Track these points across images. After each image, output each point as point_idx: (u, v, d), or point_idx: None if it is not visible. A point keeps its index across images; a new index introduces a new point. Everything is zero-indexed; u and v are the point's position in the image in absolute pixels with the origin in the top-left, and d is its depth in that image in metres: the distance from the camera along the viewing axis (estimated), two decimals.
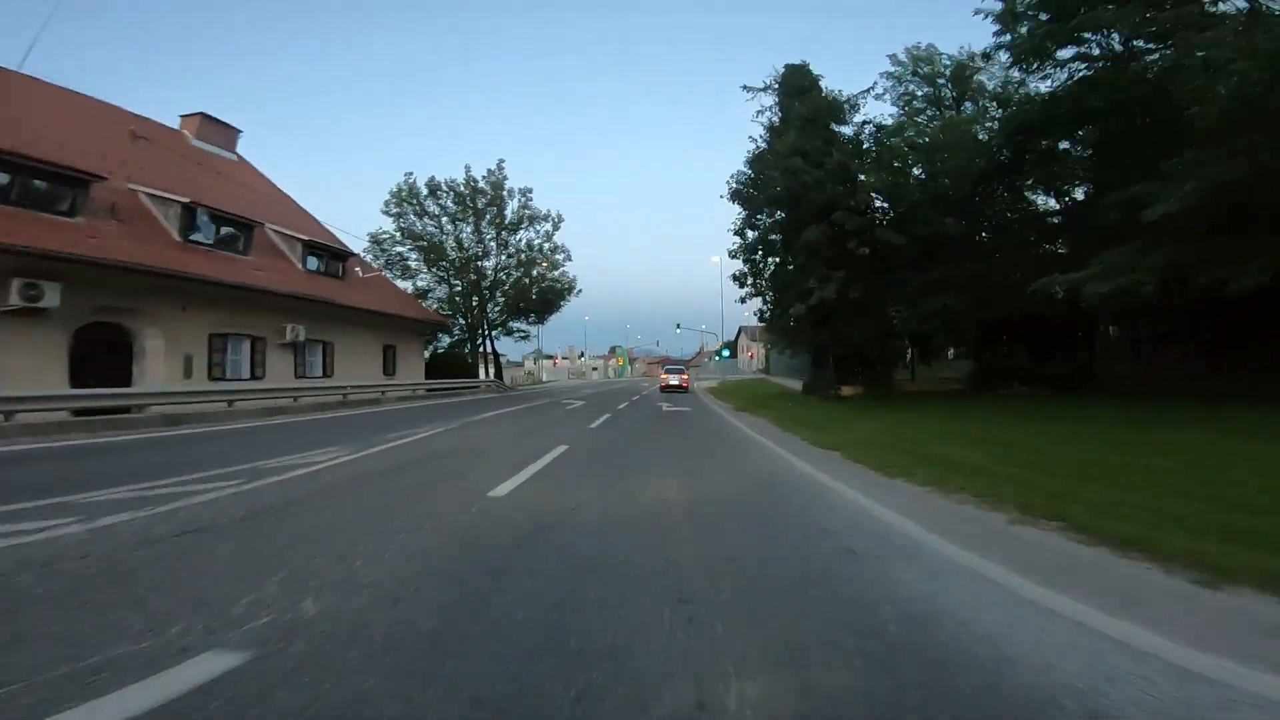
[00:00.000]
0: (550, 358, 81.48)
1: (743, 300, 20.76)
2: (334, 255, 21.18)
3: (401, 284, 31.06)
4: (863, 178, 17.71)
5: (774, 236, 19.55)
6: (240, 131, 23.08)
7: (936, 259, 16.87)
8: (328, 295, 18.92)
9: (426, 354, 29.26)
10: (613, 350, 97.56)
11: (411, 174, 33.05)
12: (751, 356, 72.04)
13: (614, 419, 12.85)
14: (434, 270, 32.67)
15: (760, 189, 19.28)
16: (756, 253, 20.61)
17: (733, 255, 20.46)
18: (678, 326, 62.43)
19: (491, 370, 35.70)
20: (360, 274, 22.38)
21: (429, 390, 24.10)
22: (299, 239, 19.45)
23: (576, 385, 42.49)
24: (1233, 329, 14.14)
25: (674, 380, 26.92)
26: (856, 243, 16.92)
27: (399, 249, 32.14)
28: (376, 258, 30.97)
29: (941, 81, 21.01)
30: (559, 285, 35.08)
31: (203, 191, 16.69)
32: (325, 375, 19.06)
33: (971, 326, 19.08)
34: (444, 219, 32.57)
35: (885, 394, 18.35)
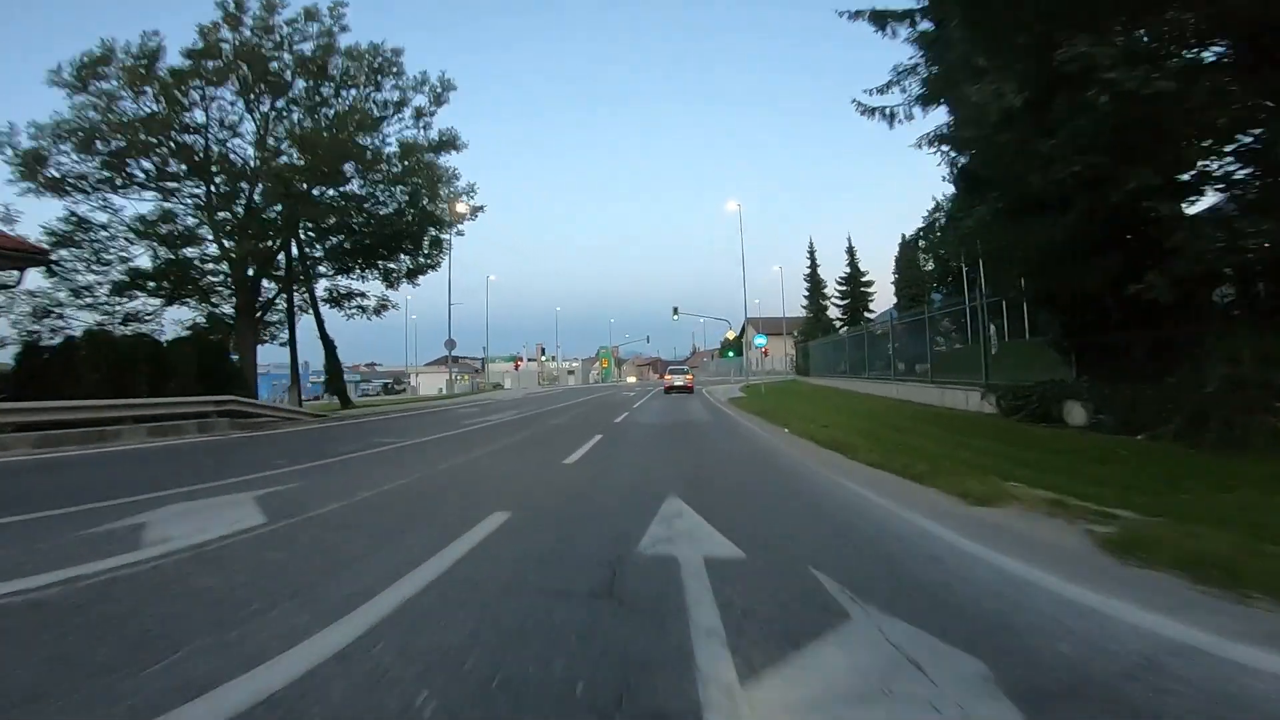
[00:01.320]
0: (515, 360, 65.88)
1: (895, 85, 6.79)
2: None
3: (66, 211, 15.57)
4: None
5: None
6: None
7: None
8: None
9: (77, 332, 13.34)
10: (598, 352, 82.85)
11: (159, 34, 16.37)
12: (766, 354, 56.64)
13: None
14: (128, 176, 16.23)
15: None
16: None
17: None
18: (674, 311, 47.25)
19: (331, 373, 19.86)
20: None
21: None
22: None
23: (524, 398, 27.13)
24: None
25: (679, 381, 26.92)
26: None
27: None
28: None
29: None
30: (434, 200, 18.63)
31: None
32: None
33: None
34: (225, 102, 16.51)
35: None
